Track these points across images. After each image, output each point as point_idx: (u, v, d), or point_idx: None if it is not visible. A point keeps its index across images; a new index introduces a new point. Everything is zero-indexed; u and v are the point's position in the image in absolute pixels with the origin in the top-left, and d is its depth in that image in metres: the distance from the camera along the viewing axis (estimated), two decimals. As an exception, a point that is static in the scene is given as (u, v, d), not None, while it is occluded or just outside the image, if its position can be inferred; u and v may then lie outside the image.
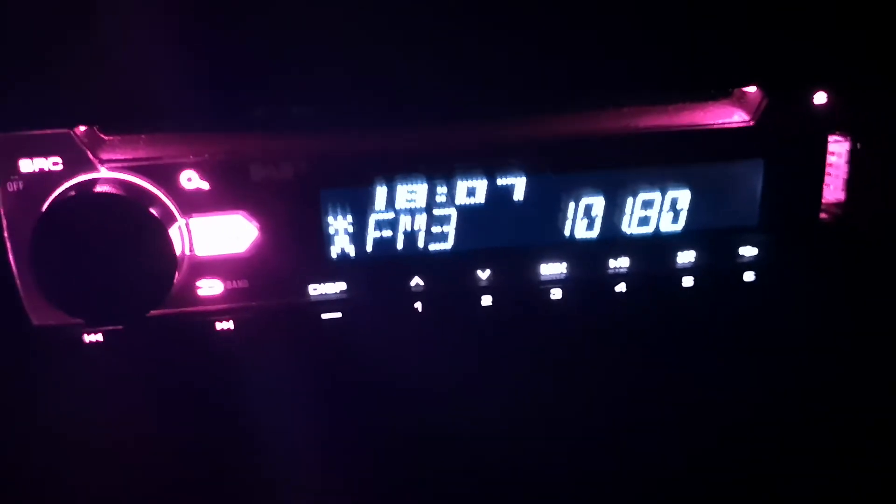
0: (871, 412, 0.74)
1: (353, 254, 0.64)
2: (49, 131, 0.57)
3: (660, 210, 0.67)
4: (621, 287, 0.68)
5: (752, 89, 0.67)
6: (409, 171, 0.63)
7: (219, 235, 0.61)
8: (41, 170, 0.58)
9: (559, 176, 0.65)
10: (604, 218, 0.66)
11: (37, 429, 0.65)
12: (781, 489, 0.73)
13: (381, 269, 0.65)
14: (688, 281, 0.69)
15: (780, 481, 0.73)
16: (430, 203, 0.64)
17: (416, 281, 0.66)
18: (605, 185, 0.66)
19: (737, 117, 0.67)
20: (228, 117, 0.61)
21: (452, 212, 0.64)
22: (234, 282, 0.63)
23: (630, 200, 0.66)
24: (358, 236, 0.64)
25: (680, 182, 0.66)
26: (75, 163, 0.58)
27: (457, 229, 0.65)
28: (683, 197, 0.67)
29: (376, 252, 0.64)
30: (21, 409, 0.65)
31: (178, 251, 0.58)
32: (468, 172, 0.64)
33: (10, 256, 0.59)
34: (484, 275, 0.67)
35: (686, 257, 0.69)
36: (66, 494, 0.67)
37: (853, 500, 0.74)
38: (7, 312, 0.61)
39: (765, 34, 0.64)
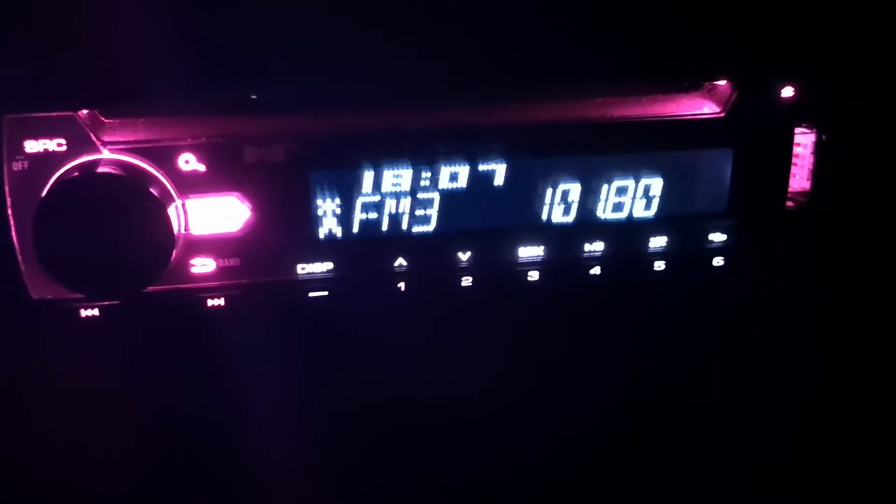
0: (836, 392, 0.80)
1: (340, 235, 0.69)
2: (54, 114, 0.62)
3: (633, 196, 0.72)
4: (596, 270, 0.73)
5: (722, 82, 0.71)
6: (395, 156, 0.67)
7: (213, 215, 0.66)
8: (45, 150, 0.62)
9: (538, 162, 0.70)
10: (579, 203, 0.71)
11: (31, 399, 0.69)
12: (749, 464, 0.78)
13: (366, 249, 0.69)
14: (659, 265, 0.74)
15: (748, 457, 0.78)
16: (415, 187, 0.68)
17: (400, 261, 0.71)
18: (581, 172, 0.70)
19: (707, 109, 0.72)
20: (223, 102, 0.65)
21: (436, 195, 0.69)
22: (227, 260, 0.68)
23: (605, 187, 0.71)
24: (345, 218, 0.68)
25: (653, 170, 0.71)
26: (78, 144, 0.62)
27: (439, 212, 0.69)
28: (656, 184, 0.72)
29: (362, 233, 0.69)
30: (17, 379, 0.69)
31: (175, 230, 0.63)
32: (451, 158, 0.68)
33: (13, 233, 0.63)
34: (465, 256, 0.71)
35: (658, 242, 0.74)
36: (59, 465, 0.71)
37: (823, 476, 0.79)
38: (7, 286, 0.65)
39: (735, 31, 0.69)
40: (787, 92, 0.72)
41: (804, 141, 0.74)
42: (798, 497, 0.79)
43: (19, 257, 0.65)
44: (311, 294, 0.70)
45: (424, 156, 0.68)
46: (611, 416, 0.79)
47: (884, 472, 0.80)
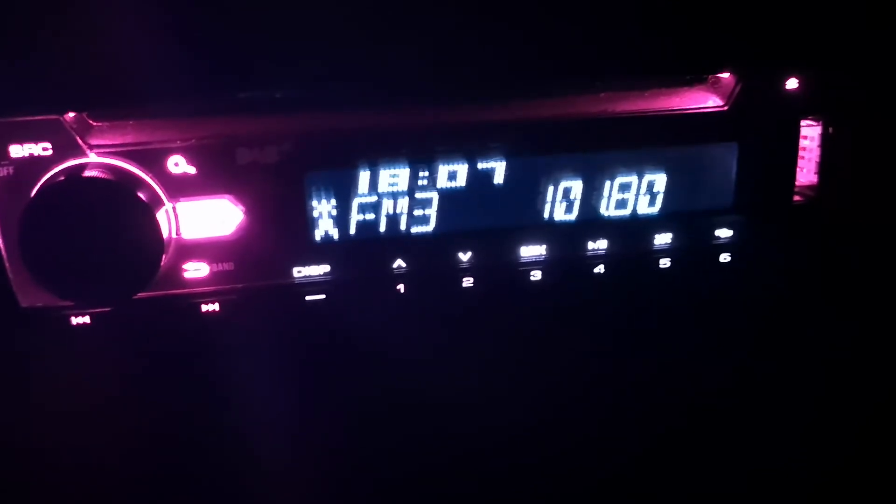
0: (843, 389, 0.79)
1: (336, 237, 0.67)
2: (39, 117, 0.60)
3: (637, 193, 0.70)
4: (599, 269, 0.72)
5: (726, 75, 0.70)
6: (391, 155, 0.66)
7: (205, 219, 0.64)
8: (31, 155, 0.60)
9: (538, 159, 0.68)
10: (582, 200, 0.70)
11: (23, 408, 0.68)
12: (754, 463, 0.77)
13: (364, 251, 0.68)
14: (664, 262, 0.73)
15: (754, 455, 0.78)
16: (413, 186, 0.67)
17: (399, 263, 0.69)
18: (583, 169, 0.69)
19: (711, 102, 0.70)
20: (214, 102, 0.64)
21: (434, 195, 0.67)
22: (220, 264, 0.66)
23: (608, 183, 0.70)
24: (341, 219, 0.67)
25: (656, 165, 0.70)
26: (65, 148, 0.61)
27: (438, 212, 0.68)
28: (660, 180, 0.70)
29: (359, 235, 0.67)
30: (7, 388, 0.68)
31: (165, 234, 0.61)
32: (449, 156, 0.67)
33: (0, 240, 0.62)
34: (465, 257, 0.70)
35: (663, 239, 0.73)
36: (52, 473, 0.70)
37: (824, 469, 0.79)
38: (-5, 294, 0.64)
39: (738, 21, 0.67)
40: (792, 83, 0.71)
41: (810, 133, 0.73)
42: (798, 497, 0.79)
43: (7, 265, 0.64)
44: (308, 298, 0.69)
45: (422, 154, 0.67)
46: (612, 416, 0.78)
47: (884, 472, 0.79)
